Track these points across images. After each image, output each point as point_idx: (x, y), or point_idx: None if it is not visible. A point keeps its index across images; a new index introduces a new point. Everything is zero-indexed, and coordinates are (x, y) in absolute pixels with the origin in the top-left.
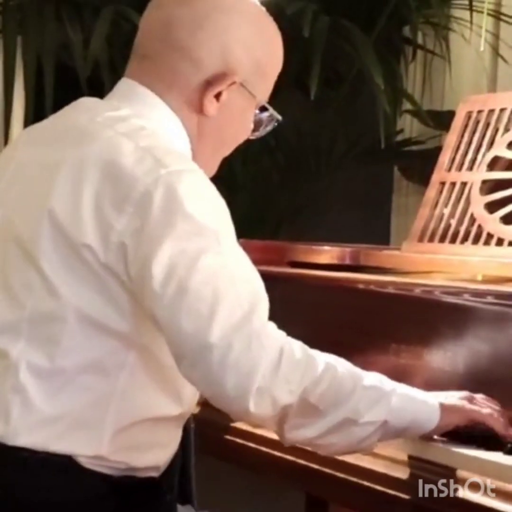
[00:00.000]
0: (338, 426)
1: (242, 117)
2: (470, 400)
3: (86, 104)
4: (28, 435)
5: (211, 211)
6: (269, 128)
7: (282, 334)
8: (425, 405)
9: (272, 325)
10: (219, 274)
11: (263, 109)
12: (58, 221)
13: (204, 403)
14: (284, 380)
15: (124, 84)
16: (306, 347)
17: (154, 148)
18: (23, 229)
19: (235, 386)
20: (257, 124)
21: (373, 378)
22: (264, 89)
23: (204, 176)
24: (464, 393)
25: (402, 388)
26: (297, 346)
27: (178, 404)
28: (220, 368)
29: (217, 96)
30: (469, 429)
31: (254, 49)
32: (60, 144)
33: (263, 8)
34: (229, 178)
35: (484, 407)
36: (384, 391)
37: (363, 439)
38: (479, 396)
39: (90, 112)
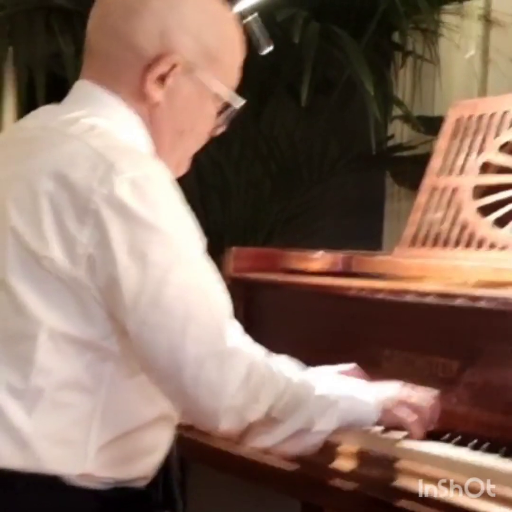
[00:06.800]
0: (293, 435)
1: (197, 105)
2: (404, 399)
3: (43, 110)
4: (10, 457)
5: (173, 219)
6: (230, 117)
7: (247, 344)
8: (367, 405)
9: (238, 333)
10: (190, 287)
11: (227, 106)
12: (21, 237)
13: None
14: (252, 398)
15: (77, 86)
16: (266, 357)
17: (107, 150)
18: None
19: (206, 404)
20: (224, 121)
21: (322, 385)
22: (221, 77)
23: (162, 178)
24: (401, 387)
25: (347, 388)
26: (260, 360)
27: (160, 405)
28: (192, 386)
29: (162, 81)
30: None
31: (198, 32)
32: (12, 159)
33: None
34: (221, 186)
35: (414, 407)
36: (332, 399)
37: (315, 444)
38: (416, 390)
39: (44, 118)
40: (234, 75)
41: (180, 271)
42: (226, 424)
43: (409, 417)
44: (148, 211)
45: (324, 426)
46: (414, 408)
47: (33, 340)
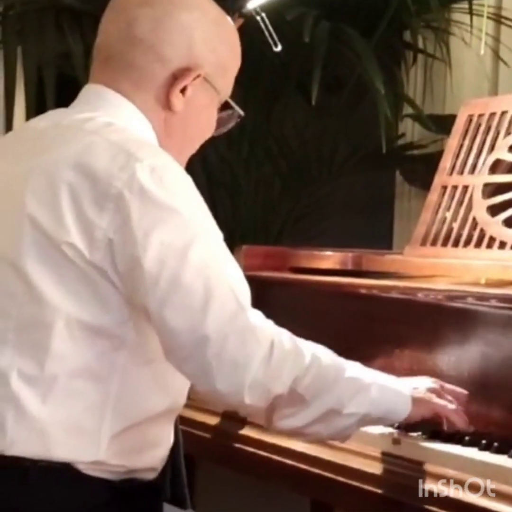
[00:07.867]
0: (323, 416)
1: (207, 112)
2: (438, 390)
3: (52, 113)
4: (25, 444)
5: (191, 203)
6: (231, 124)
7: (270, 324)
8: (400, 395)
9: (260, 315)
10: (209, 266)
11: (224, 107)
12: (39, 224)
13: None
14: (276, 371)
15: (89, 89)
16: (293, 336)
17: (126, 142)
18: (3, 239)
19: (230, 379)
20: (219, 122)
21: (354, 369)
22: (225, 85)
23: (179, 168)
24: (433, 380)
25: (379, 378)
26: (285, 337)
27: (170, 398)
28: (216, 361)
29: (183, 91)
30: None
31: (215, 45)
32: (27, 154)
33: (218, 7)
34: (232, 185)
35: (449, 399)
36: (364, 383)
37: (346, 428)
38: (447, 386)
39: (56, 118)
40: (232, 82)
41: (199, 251)
42: (252, 398)
43: (448, 406)
44: (167, 195)
45: (355, 408)
46: (451, 399)
47: (50, 327)
